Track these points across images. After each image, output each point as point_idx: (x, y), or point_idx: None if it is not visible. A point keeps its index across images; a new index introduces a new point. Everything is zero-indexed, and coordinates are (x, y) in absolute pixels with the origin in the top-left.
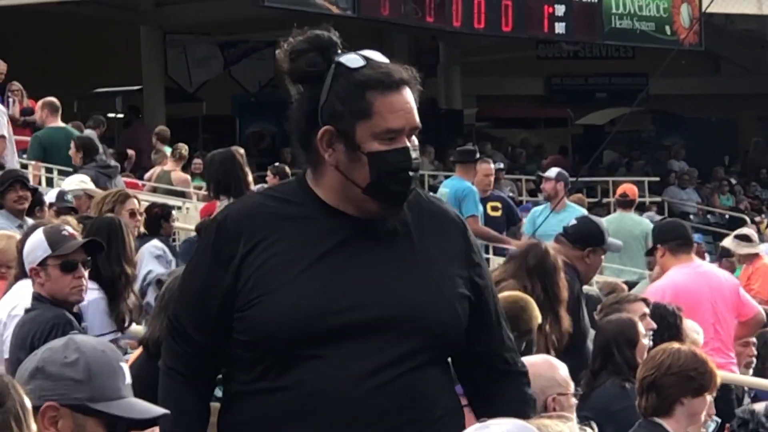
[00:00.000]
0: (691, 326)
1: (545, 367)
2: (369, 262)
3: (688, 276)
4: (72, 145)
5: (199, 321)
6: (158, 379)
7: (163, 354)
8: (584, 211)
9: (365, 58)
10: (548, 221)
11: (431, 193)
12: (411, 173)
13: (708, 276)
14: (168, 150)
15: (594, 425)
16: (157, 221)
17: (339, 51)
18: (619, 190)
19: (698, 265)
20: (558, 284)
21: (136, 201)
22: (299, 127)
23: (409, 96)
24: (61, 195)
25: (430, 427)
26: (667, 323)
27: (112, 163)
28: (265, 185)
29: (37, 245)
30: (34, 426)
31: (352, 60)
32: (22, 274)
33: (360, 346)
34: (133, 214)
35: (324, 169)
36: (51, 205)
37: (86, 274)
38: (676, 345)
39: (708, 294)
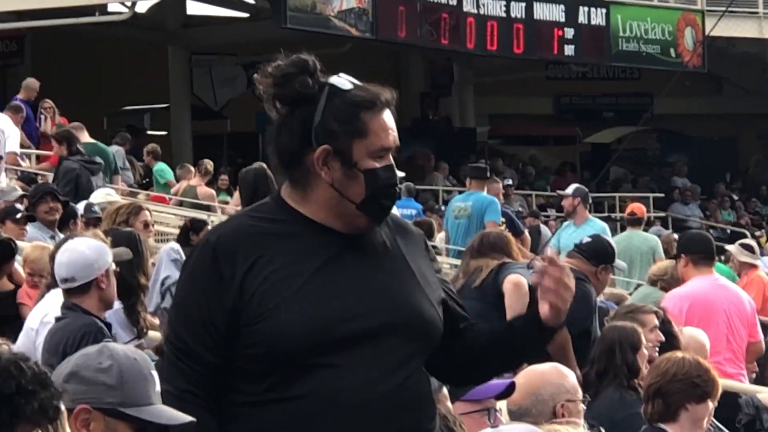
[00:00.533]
0: (694, 333)
1: (555, 375)
2: (362, 274)
3: (707, 287)
4: (54, 142)
5: (208, 341)
6: None
7: (171, 378)
8: (603, 225)
9: (350, 80)
10: (571, 235)
11: None
12: (396, 189)
13: (726, 289)
14: (162, 167)
15: (603, 431)
16: (186, 233)
17: (320, 74)
18: (628, 210)
19: (717, 278)
20: (513, 252)
21: (148, 213)
22: (288, 147)
23: (391, 116)
24: (88, 207)
25: (428, 425)
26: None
27: (98, 159)
28: None
29: (104, 251)
30: (68, 429)
31: (342, 82)
32: (53, 284)
33: (367, 353)
34: (146, 225)
35: (315, 186)
36: (81, 216)
37: None
38: (679, 354)
39: (725, 306)
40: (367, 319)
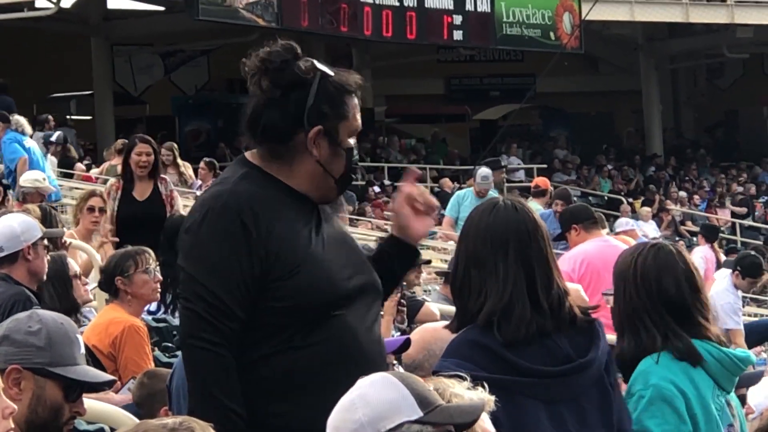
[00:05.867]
0: (571, 285)
1: (446, 332)
2: (337, 239)
3: (599, 247)
4: None
5: (240, 298)
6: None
7: (202, 334)
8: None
9: (328, 66)
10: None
11: None
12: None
13: (616, 249)
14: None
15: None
16: None
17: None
18: (533, 183)
19: (607, 239)
20: None
21: (99, 199)
22: (279, 126)
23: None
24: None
25: None
26: None
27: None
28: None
29: (31, 226)
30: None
31: (327, 69)
32: None
33: (360, 307)
34: (91, 209)
35: (301, 161)
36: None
37: None
38: None
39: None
40: (356, 279)
